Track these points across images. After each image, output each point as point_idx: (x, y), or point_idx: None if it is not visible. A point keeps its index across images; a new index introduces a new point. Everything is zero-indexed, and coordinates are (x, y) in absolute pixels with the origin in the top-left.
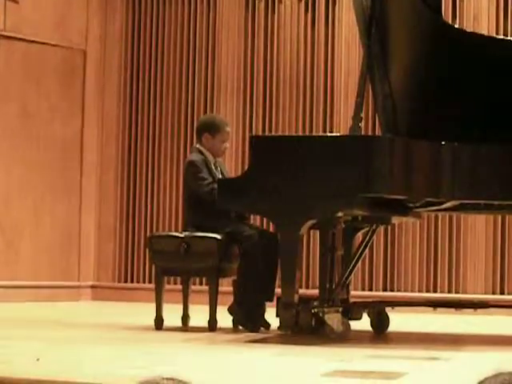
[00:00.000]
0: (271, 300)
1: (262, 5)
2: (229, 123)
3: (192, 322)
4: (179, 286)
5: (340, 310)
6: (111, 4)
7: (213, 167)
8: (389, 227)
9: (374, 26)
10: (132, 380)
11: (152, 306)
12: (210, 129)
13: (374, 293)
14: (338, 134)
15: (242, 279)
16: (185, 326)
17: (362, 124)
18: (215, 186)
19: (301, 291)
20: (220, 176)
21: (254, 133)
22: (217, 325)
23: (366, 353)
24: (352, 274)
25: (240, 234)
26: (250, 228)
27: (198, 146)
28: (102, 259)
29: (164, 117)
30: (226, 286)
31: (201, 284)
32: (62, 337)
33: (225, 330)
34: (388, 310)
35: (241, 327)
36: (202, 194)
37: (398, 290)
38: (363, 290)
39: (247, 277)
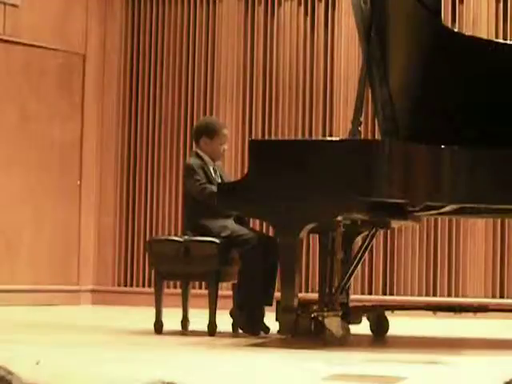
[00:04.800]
0: (270, 304)
1: (262, 8)
2: (226, 125)
3: (192, 326)
4: (179, 290)
5: (340, 313)
6: (111, 8)
7: (211, 171)
8: (388, 231)
9: (373, 31)
10: None
11: (152, 310)
12: (208, 132)
13: (373, 297)
14: (338, 138)
15: (242, 283)
16: (184, 330)
17: (362, 128)
18: (207, 185)
19: (300, 295)
20: (219, 180)
21: (253, 136)
22: (216, 329)
23: (366, 357)
24: (352, 278)
25: (239, 237)
26: (250, 232)
27: (196, 150)
28: (102, 263)
29: (163, 120)
30: (225, 289)
31: (200, 288)
32: (62, 341)
33: (224, 334)
34: (387, 313)
35: (241, 331)
36: (195, 195)
37: (398, 294)
38: (363, 293)
39: (247, 281)
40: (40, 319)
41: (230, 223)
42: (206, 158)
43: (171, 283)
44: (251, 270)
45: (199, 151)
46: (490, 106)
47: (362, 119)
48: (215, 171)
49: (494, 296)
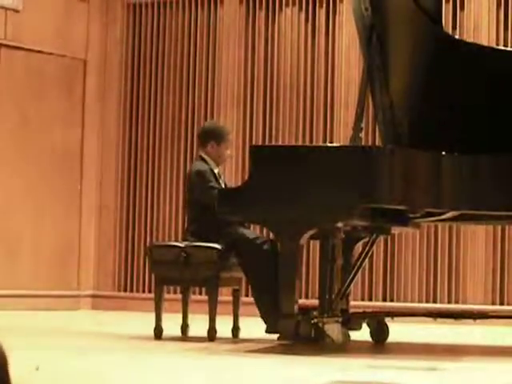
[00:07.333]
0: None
1: (263, 14)
2: (230, 130)
3: (191, 332)
4: (179, 296)
5: (340, 320)
6: (112, 13)
7: (217, 176)
8: (388, 237)
9: (374, 37)
10: None
11: (152, 316)
12: (216, 137)
13: (373, 303)
14: (339, 144)
15: (263, 290)
16: (184, 336)
17: (363, 134)
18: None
19: (300, 301)
20: (223, 185)
21: (253, 142)
22: (216, 334)
23: (366, 363)
24: (352, 284)
25: (240, 244)
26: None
27: (201, 154)
28: (102, 268)
29: (164, 126)
30: (225, 295)
31: (200, 293)
32: (61, 346)
33: (224, 340)
34: (387, 320)
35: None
36: (208, 201)
37: (398, 300)
38: (363, 300)
39: (256, 288)
40: (39, 324)
41: (233, 229)
42: (211, 163)
43: (171, 288)
44: (255, 278)
45: (204, 155)
46: (490, 113)
47: (362, 125)
48: (219, 176)
49: (493, 303)
